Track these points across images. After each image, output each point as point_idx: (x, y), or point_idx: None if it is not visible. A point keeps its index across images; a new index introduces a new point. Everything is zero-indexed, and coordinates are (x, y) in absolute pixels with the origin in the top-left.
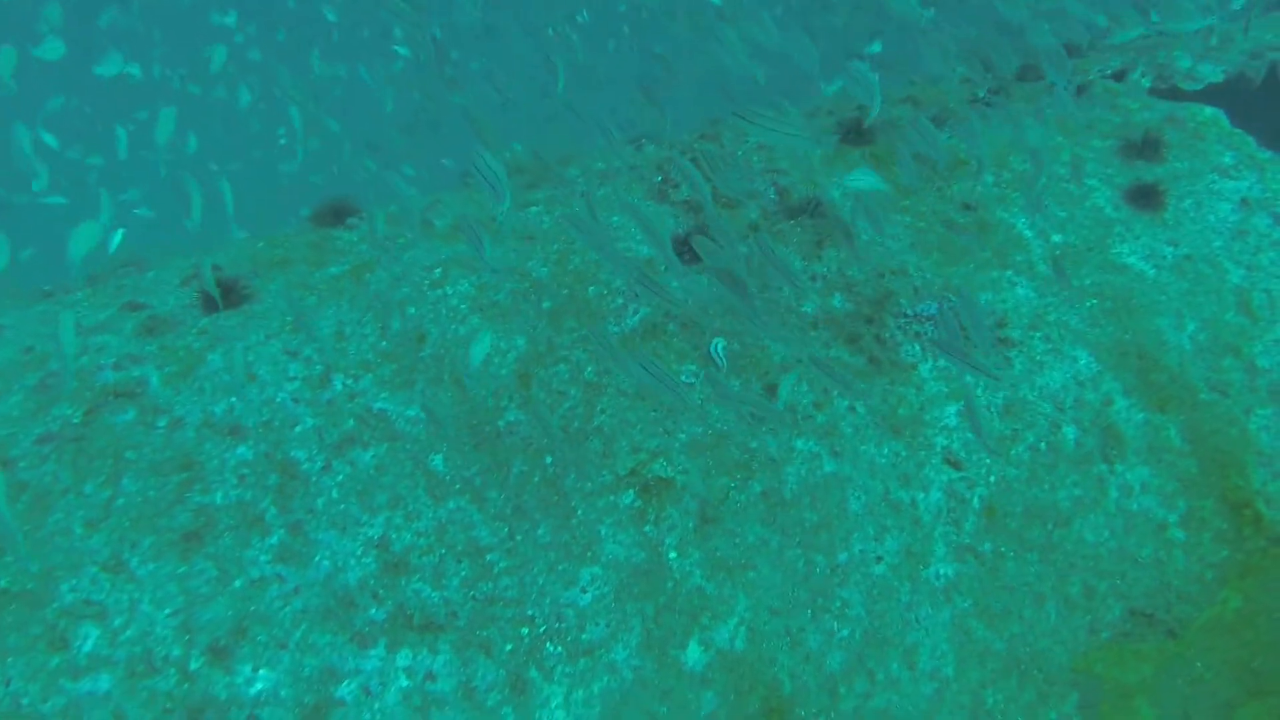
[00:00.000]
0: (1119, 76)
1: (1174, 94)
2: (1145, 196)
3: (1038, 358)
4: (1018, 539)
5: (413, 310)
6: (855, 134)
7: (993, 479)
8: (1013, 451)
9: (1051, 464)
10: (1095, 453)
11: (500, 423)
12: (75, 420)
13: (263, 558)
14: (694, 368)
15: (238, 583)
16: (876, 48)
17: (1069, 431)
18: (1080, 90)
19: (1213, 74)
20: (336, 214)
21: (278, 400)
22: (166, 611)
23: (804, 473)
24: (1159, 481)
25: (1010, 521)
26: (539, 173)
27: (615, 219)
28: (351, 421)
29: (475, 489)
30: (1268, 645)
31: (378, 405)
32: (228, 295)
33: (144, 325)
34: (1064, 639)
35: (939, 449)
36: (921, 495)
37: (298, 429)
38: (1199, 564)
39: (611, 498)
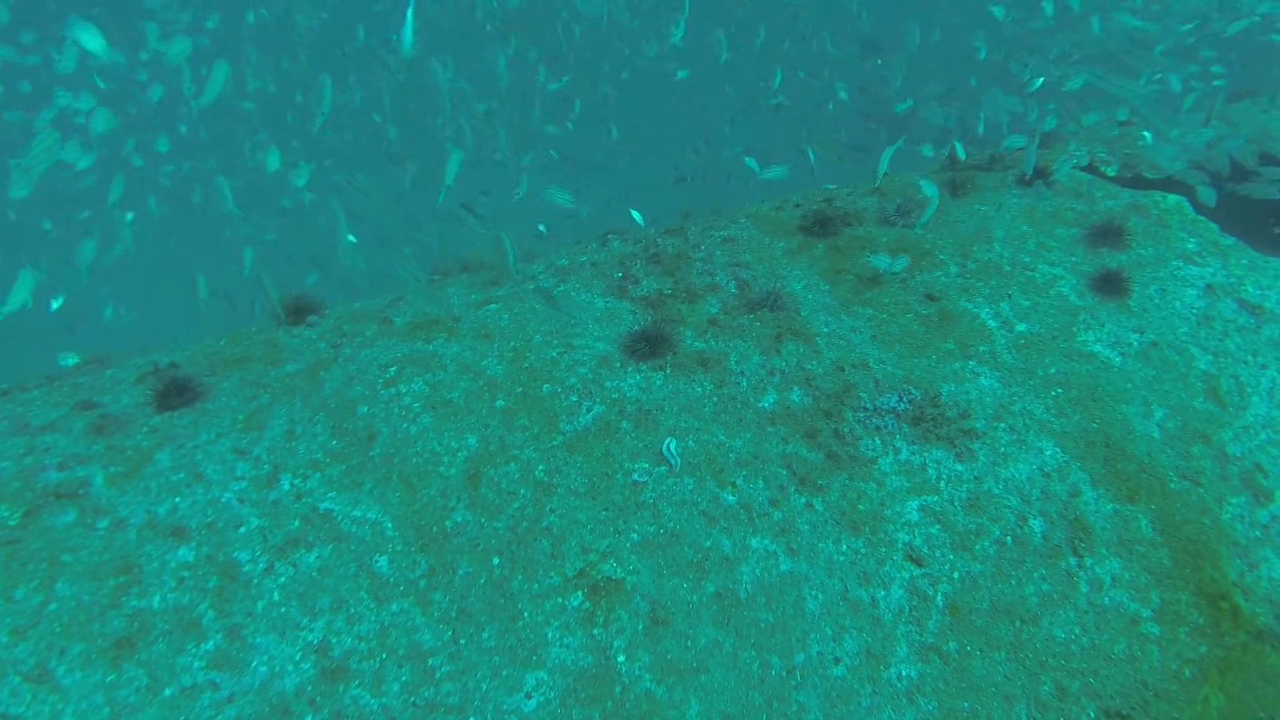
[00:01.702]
0: (1089, 168)
1: (1138, 182)
2: (1110, 283)
3: (1002, 449)
4: (984, 637)
5: (365, 409)
6: (819, 226)
7: (957, 575)
8: (978, 546)
9: (1018, 559)
10: (1063, 546)
11: (448, 523)
12: (12, 523)
13: (196, 664)
14: (646, 465)
15: (168, 691)
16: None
17: (1036, 524)
18: (1044, 177)
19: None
20: (297, 311)
21: (223, 500)
22: None
23: (759, 572)
24: (1131, 574)
25: (976, 619)
26: (500, 269)
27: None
28: (296, 522)
29: (420, 591)
30: None
31: (324, 505)
32: (182, 393)
33: (94, 424)
34: None
35: (900, 545)
36: (882, 593)
37: (242, 530)
38: (1176, 660)
39: (559, 599)
